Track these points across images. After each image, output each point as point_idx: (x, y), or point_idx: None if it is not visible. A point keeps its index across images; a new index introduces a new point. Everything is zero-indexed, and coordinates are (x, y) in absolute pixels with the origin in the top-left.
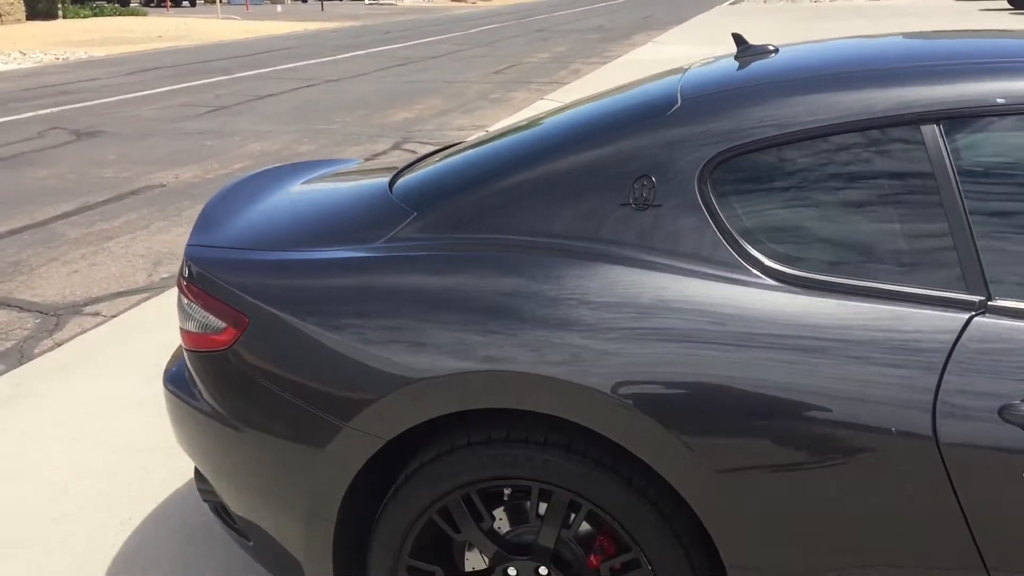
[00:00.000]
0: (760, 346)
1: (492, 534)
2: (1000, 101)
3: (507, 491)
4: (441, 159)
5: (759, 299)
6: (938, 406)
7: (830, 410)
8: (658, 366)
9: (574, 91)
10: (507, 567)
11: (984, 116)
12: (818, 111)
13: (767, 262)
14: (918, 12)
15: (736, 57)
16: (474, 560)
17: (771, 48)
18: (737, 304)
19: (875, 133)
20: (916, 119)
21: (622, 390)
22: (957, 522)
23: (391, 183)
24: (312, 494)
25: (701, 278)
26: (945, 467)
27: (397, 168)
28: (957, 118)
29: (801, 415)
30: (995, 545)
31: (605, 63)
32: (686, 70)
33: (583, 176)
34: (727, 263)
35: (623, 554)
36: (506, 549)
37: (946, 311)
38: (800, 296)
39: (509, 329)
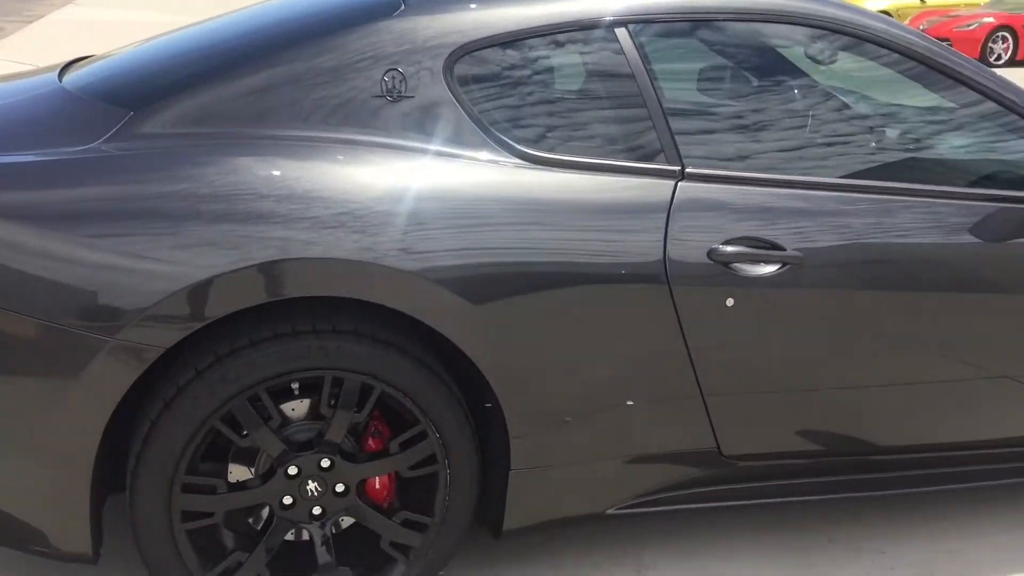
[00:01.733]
0: (521, 218)
1: (279, 433)
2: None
3: (295, 386)
4: (129, 53)
5: (512, 177)
6: (667, 253)
7: (587, 267)
8: (435, 238)
9: (11, 47)
10: (288, 467)
11: (666, 22)
12: (530, 15)
13: (515, 145)
14: None
15: None
16: (237, 472)
17: None
18: (494, 182)
19: (581, 34)
20: (611, 23)
21: (406, 263)
22: (682, 355)
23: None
24: (64, 434)
25: (458, 160)
26: (675, 304)
27: (55, 68)
28: (645, 23)
29: (560, 273)
30: (709, 370)
31: (31, 22)
32: None
33: (330, 70)
34: (479, 146)
35: (408, 430)
36: (290, 448)
37: (658, 179)
38: (547, 173)
39: (281, 217)
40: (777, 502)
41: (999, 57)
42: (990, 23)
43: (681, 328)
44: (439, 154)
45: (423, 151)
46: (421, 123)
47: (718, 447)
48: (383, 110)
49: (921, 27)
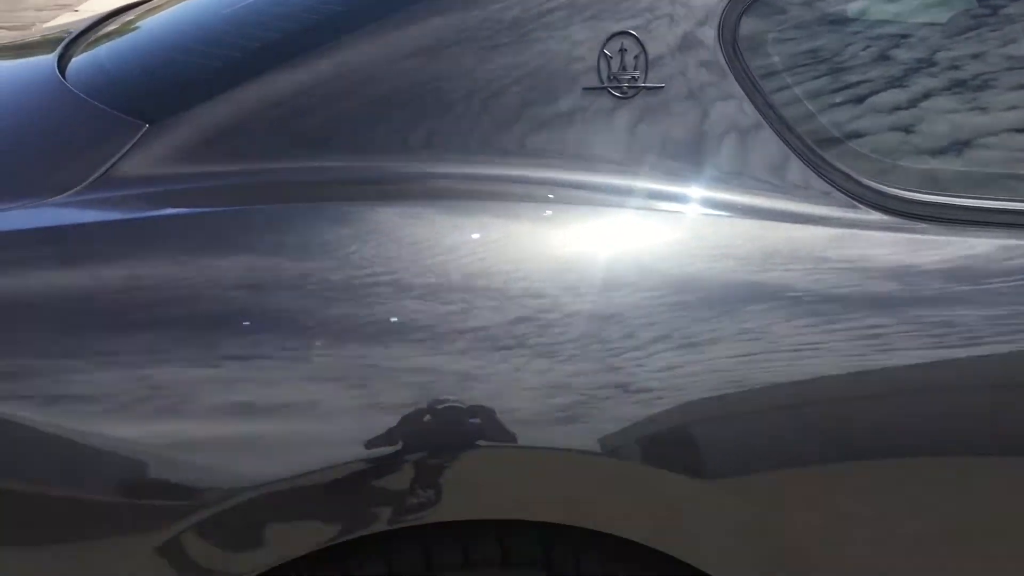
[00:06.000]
0: (900, 324)
1: None
2: None
3: None
4: (154, 23)
5: (877, 249)
6: None
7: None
8: (730, 383)
9: None
10: None
11: None
12: None
13: (877, 185)
14: None
15: None
16: None
17: None
18: (844, 259)
19: None
20: None
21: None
22: None
23: (61, 67)
24: None
25: (767, 219)
26: None
27: (62, 39)
28: None
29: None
30: None
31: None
32: None
33: (496, 46)
34: (804, 189)
35: None
36: None
37: None
38: (942, 237)
39: (421, 351)
40: None
41: None
42: None
43: None
44: (740, 209)
45: (684, 198)
46: (682, 146)
47: None
48: (602, 117)
49: None
